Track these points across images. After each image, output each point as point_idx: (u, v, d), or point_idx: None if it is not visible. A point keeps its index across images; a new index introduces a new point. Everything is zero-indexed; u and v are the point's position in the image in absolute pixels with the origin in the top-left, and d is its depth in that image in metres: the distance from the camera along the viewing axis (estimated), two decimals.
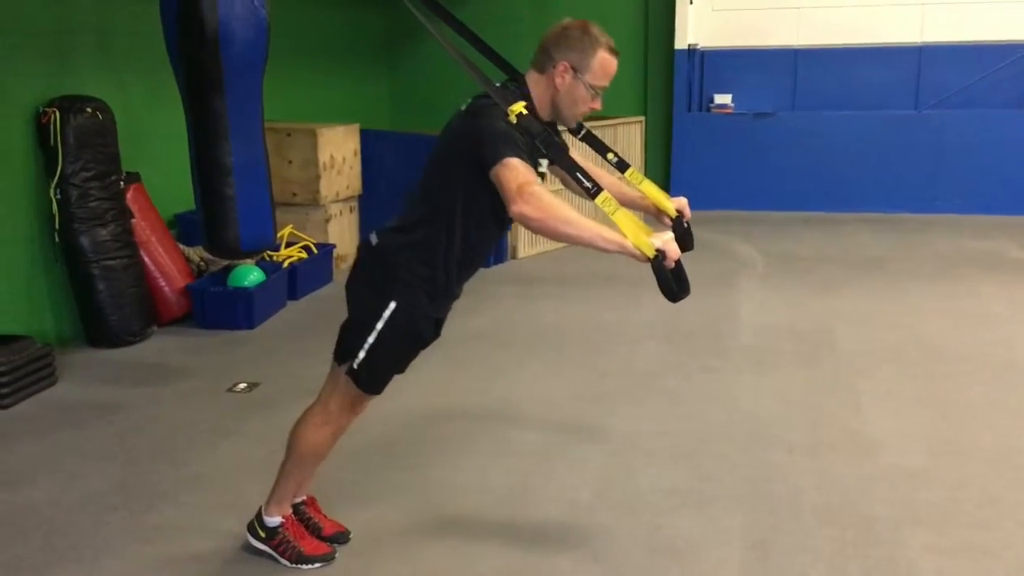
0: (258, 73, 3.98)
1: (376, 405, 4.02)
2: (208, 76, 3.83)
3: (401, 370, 2.67)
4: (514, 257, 6.76)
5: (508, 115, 2.34)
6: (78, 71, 4.99)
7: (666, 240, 2.23)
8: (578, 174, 2.32)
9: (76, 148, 4.68)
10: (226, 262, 5.35)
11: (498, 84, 2.49)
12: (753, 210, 8.43)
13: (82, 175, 4.71)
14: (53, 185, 4.66)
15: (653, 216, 2.80)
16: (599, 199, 2.27)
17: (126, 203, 5.01)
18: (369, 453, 3.54)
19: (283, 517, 2.77)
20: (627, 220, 2.23)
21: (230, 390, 4.22)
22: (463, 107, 2.50)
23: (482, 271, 6.15)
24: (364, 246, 2.64)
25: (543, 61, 2.49)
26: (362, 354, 2.52)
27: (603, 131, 7.44)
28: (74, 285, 4.82)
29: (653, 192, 2.77)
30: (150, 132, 5.46)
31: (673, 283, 2.24)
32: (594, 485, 3.27)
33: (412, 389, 4.20)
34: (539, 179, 2.35)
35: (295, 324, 5.31)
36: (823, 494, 3.16)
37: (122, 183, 4.97)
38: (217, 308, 5.15)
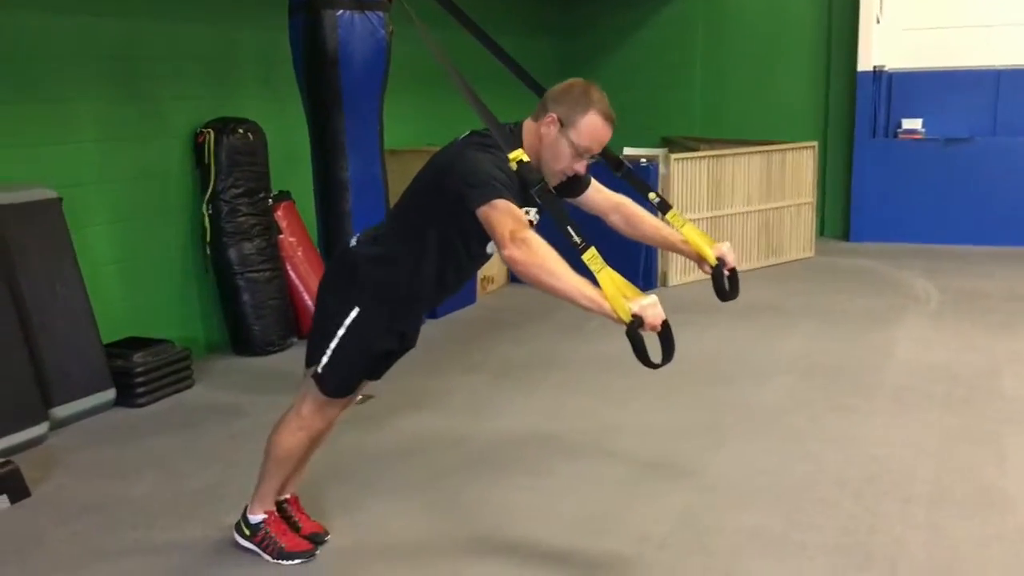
0: (377, 92, 4.08)
1: (479, 421, 4.04)
2: (328, 94, 3.98)
3: (372, 376, 2.72)
4: (664, 284, 6.56)
5: (508, 160, 2.33)
6: (237, 94, 5.32)
7: (645, 305, 2.16)
8: (568, 228, 2.24)
9: (228, 166, 4.98)
10: None
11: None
12: (939, 243, 7.75)
13: (232, 191, 5.00)
14: (205, 200, 4.98)
15: (694, 261, 2.68)
16: (586, 255, 2.21)
17: (274, 219, 5.27)
18: (455, 467, 3.51)
19: (266, 513, 2.86)
20: (610, 281, 2.18)
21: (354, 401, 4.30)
22: (460, 137, 2.48)
23: None
24: (342, 249, 2.70)
25: (539, 111, 2.47)
26: (325, 359, 2.58)
27: (770, 156, 7.13)
28: (221, 295, 5.12)
29: (694, 236, 2.65)
30: (304, 153, 5.71)
31: (645, 351, 2.16)
32: (673, 521, 3.06)
33: (519, 409, 4.17)
34: (531, 223, 2.34)
35: (426, 342, 5.33)
36: (928, 551, 2.79)
37: (271, 200, 5.23)
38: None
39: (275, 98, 5.49)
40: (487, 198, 2.26)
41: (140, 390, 4.29)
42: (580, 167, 2.50)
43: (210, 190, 4.97)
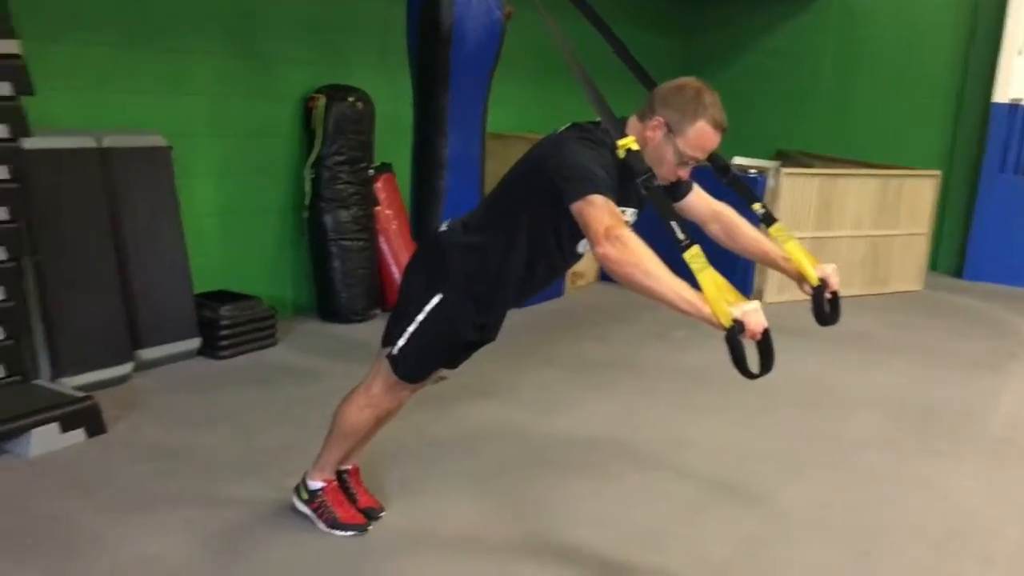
0: (486, 73, 4.03)
1: (548, 417, 3.97)
2: (437, 71, 3.94)
3: (449, 365, 2.66)
4: (759, 300, 6.35)
5: (617, 148, 2.25)
6: (352, 63, 5.37)
7: (748, 311, 2.03)
8: (672, 223, 2.15)
9: (334, 133, 5.02)
10: None
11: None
12: None
13: (335, 158, 5.04)
14: (308, 164, 5.04)
15: (795, 280, 2.55)
16: (688, 254, 2.09)
17: (373, 190, 5.30)
18: (518, 461, 3.46)
19: (324, 482, 2.85)
20: (711, 283, 2.05)
21: None
22: (560, 129, 2.40)
23: None
24: (433, 234, 2.65)
25: (646, 111, 2.38)
26: (402, 341, 2.53)
27: (887, 180, 6.85)
28: (313, 259, 5.18)
29: (797, 254, 2.52)
30: (410, 128, 5.72)
31: (744, 359, 2.04)
32: (736, 546, 2.94)
33: (590, 410, 4.09)
34: (626, 223, 2.23)
35: (506, 330, 5.29)
36: None
37: (371, 171, 5.26)
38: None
39: (388, 70, 5.50)
40: (583, 193, 2.17)
41: (224, 343, 4.37)
42: (683, 174, 2.42)
43: (314, 155, 5.02)
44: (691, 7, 8.80)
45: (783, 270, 2.56)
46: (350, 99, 5.06)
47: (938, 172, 7.22)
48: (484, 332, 2.62)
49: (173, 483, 3.12)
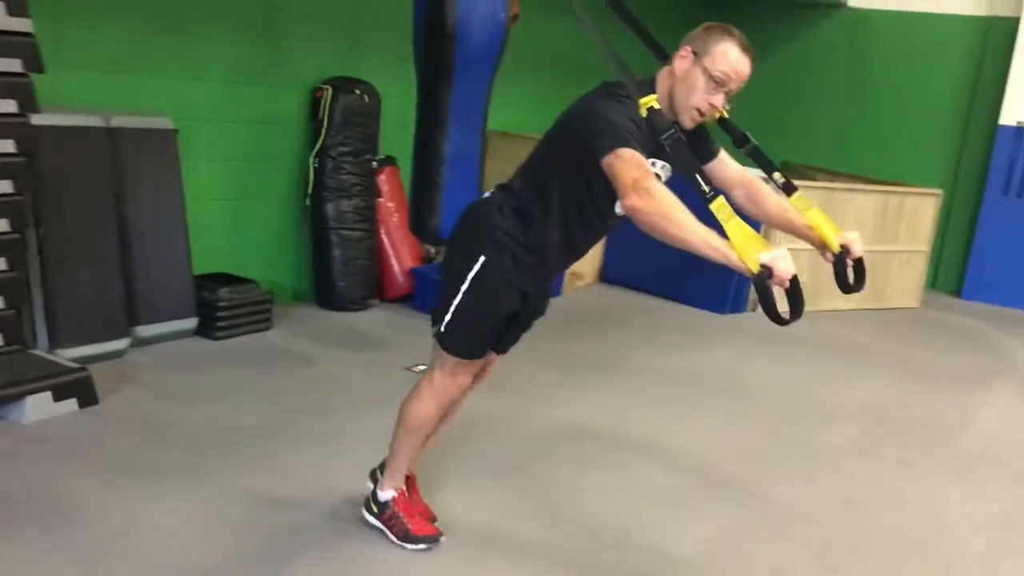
0: (488, 72, 4.11)
1: (532, 411, 4.05)
2: (440, 69, 4.02)
3: (496, 344, 2.62)
4: (753, 310, 6.41)
5: (640, 107, 2.26)
6: (362, 56, 5.46)
7: (776, 256, 2.02)
8: (696, 175, 2.17)
9: (340, 124, 5.12)
10: None
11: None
12: None
13: (340, 149, 5.14)
14: (313, 154, 5.14)
15: (817, 248, 2.54)
16: (714, 204, 2.10)
17: (376, 182, 5.39)
18: (497, 453, 3.55)
19: (396, 491, 2.79)
20: (739, 230, 2.05)
21: (409, 368, 4.39)
22: (591, 90, 2.42)
23: (710, 316, 6.12)
24: (475, 201, 2.63)
25: (674, 54, 2.38)
26: (448, 316, 2.50)
27: (888, 197, 6.90)
28: (314, 247, 5.28)
29: (819, 221, 2.51)
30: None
31: (775, 304, 2.04)
32: (697, 542, 3.03)
33: (575, 407, 4.17)
34: (655, 175, 2.24)
35: None
36: None
37: (375, 163, 5.36)
38: (435, 294, 5.33)
39: (396, 65, 5.57)
40: (613, 146, 2.18)
41: (220, 324, 4.47)
42: (716, 100, 2.36)
43: (319, 144, 5.12)
44: (700, 17, 8.82)
45: (806, 238, 2.54)
46: (356, 91, 5.16)
47: (940, 191, 7.27)
48: (527, 302, 2.57)
49: (159, 456, 3.22)
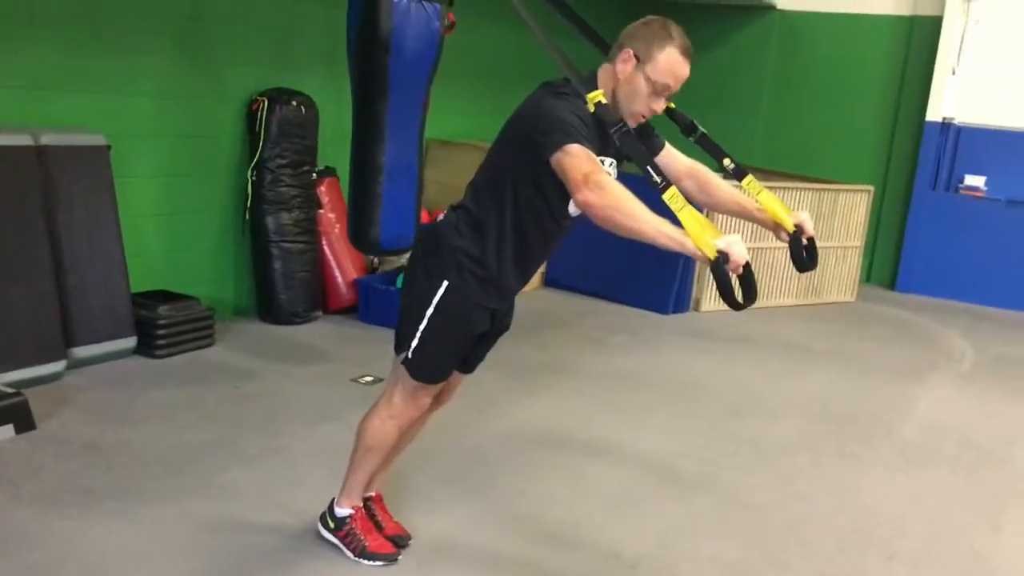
0: (424, 82, 4.11)
1: (481, 418, 4.05)
2: (376, 78, 4.01)
3: (463, 365, 2.63)
4: (696, 309, 6.51)
5: (587, 103, 2.26)
6: (297, 67, 5.41)
7: (731, 242, 2.05)
8: (648, 167, 2.18)
9: (277, 136, 5.06)
10: (400, 263, 5.56)
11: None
12: (986, 305, 7.57)
13: (277, 161, 5.09)
14: (251, 167, 5.08)
15: (770, 230, 2.57)
16: (667, 194, 2.12)
17: (316, 193, 5.35)
18: (447, 461, 3.54)
19: (352, 509, 2.77)
20: (692, 219, 2.07)
21: (355, 380, 4.36)
22: (534, 91, 2.41)
23: (653, 317, 6.19)
24: (431, 223, 2.61)
25: (615, 50, 2.39)
26: (414, 342, 2.48)
27: (822, 195, 7.05)
28: (254, 261, 5.21)
29: (771, 203, 2.54)
30: None
31: (732, 289, 2.08)
32: (651, 540, 3.06)
33: (523, 412, 4.19)
34: (605, 170, 2.25)
35: None
36: None
37: (315, 175, 5.32)
38: (379, 305, 5.35)
39: (333, 76, 5.55)
40: (560, 144, 2.17)
41: (160, 342, 4.39)
42: (658, 107, 2.39)
43: (256, 157, 5.06)
44: (630, 20, 8.92)
45: (759, 220, 2.56)
46: (293, 103, 5.12)
47: (871, 187, 7.45)
48: (495, 320, 2.57)
49: (101, 479, 3.15)
